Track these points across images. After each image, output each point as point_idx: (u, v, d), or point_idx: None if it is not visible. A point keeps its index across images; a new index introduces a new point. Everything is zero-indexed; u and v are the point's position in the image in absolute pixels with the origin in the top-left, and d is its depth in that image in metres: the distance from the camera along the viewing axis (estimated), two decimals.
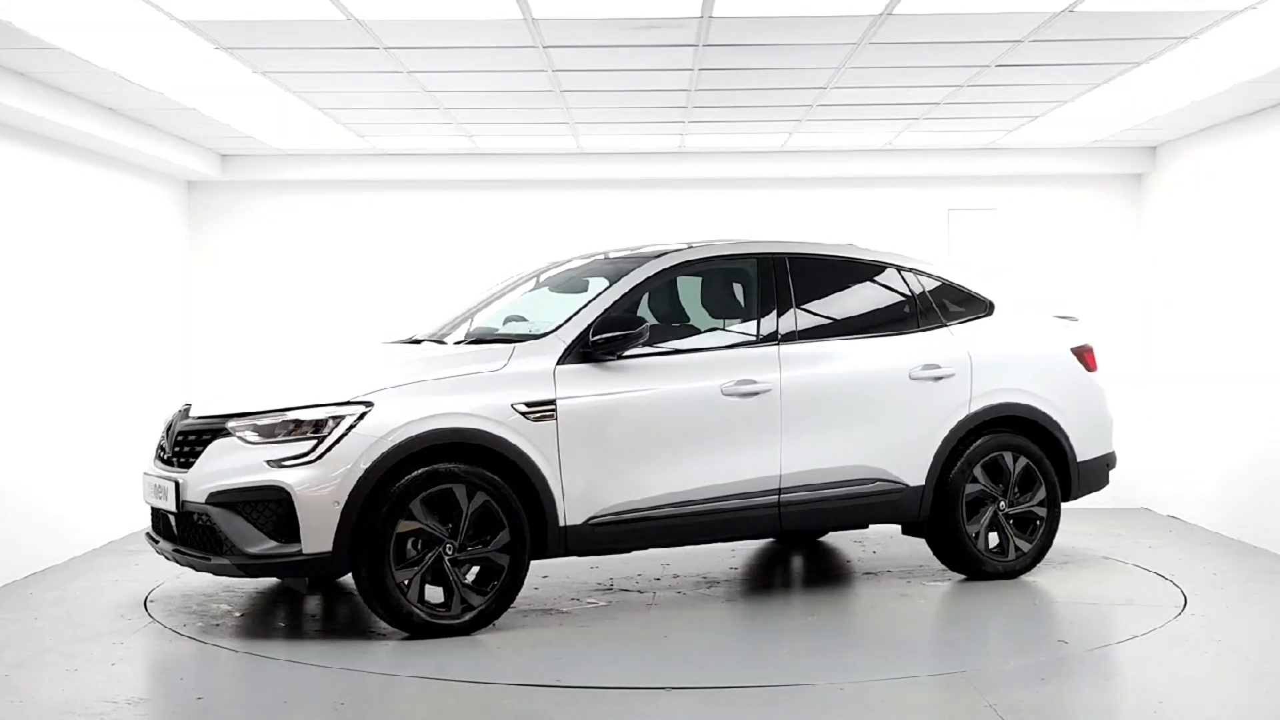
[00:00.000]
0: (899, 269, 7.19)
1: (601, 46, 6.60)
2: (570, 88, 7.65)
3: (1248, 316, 8.61)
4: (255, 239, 10.54)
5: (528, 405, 6.05)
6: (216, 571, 5.91)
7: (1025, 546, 7.10)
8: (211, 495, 5.80)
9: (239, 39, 6.38)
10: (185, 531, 6.02)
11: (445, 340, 6.82)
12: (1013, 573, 7.06)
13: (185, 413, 6.30)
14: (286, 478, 5.70)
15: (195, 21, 6.02)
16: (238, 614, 6.51)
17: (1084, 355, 7.46)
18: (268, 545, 5.71)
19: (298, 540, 5.69)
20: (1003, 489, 7.06)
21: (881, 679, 5.26)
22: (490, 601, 5.98)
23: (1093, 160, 10.25)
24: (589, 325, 6.27)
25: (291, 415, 5.85)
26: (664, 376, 6.39)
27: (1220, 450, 8.92)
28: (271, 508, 5.71)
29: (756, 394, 6.48)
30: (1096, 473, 7.46)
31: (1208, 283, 9.24)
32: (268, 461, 5.76)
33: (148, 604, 6.74)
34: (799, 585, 7.32)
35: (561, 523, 6.10)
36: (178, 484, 5.96)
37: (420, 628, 5.85)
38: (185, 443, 6.08)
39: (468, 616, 5.93)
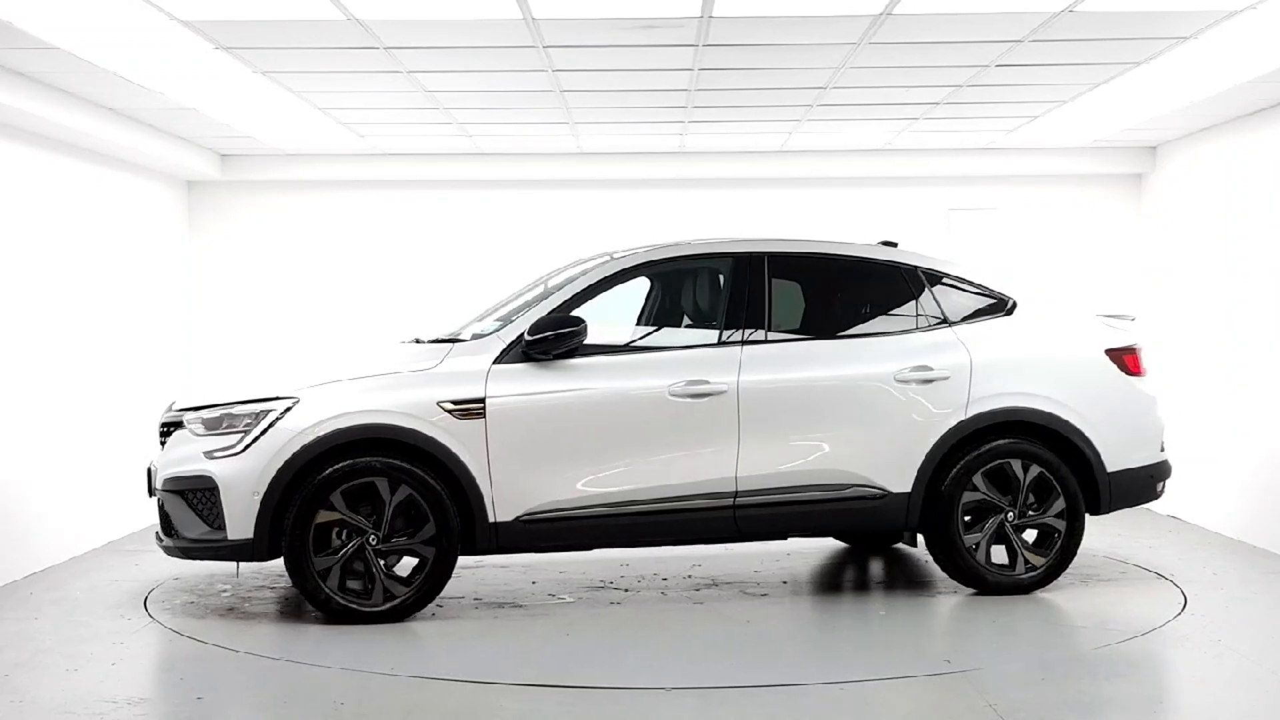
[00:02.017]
0: (905, 267, 6.86)
1: (601, 46, 6.60)
2: (570, 88, 7.66)
3: (1248, 317, 8.62)
4: (255, 239, 10.55)
5: (454, 403, 6.20)
6: (168, 553, 6.39)
7: (1038, 561, 6.68)
8: (165, 482, 6.31)
9: (239, 39, 6.38)
10: (159, 514, 6.50)
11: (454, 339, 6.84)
12: (1021, 588, 6.66)
13: (170, 407, 6.70)
14: (215, 468, 6.14)
15: (195, 21, 6.02)
16: (238, 613, 6.51)
17: (1122, 358, 6.90)
18: (202, 531, 6.19)
19: (224, 527, 6.11)
20: (1011, 499, 6.65)
21: (881, 679, 5.26)
22: (414, 592, 6.21)
23: (1093, 160, 10.26)
24: (529, 325, 6.35)
25: (227, 410, 6.28)
26: (609, 376, 6.39)
27: (1220, 450, 8.92)
28: (205, 496, 6.18)
29: (708, 395, 6.37)
30: (1136, 485, 6.88)
31: (1208, 283, 9.24)
32: (204, 453, 6.21)
33: (147, 604, 6.74)
34: (800, 590, 7.29)
35: (491, 519, 6.23)
36: (149, 471, 6.53)
37: (339, 613, 6.14)
38: (164, 434, 6.53)
39: (388, 605, 6.17)
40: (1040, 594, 6.76)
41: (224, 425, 6.23)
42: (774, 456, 6.43)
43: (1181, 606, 6.51)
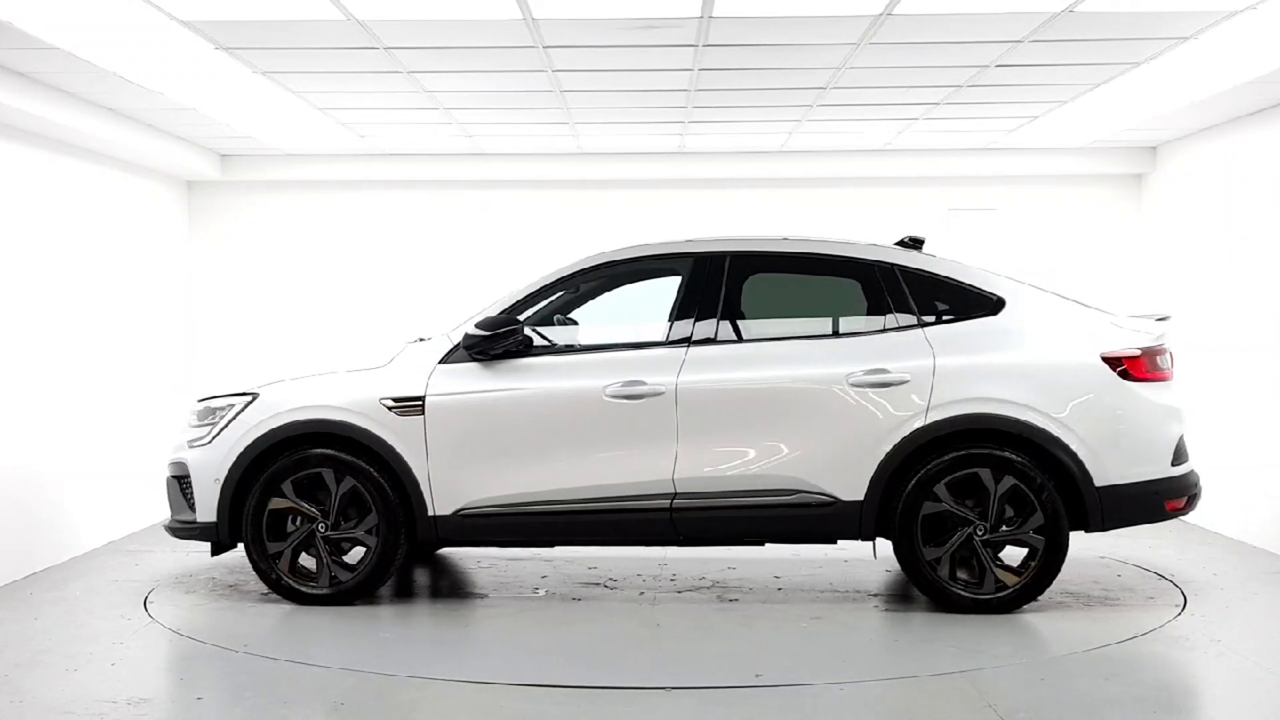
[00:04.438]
0: (881, 265, 6.56)
1: (601, 46, 6.60)
2: (570, 88, 7.66)
3: (1248, 317, 8.62)
4: (255, 239, 10.55)
5: (395, 400, 6.47)
6: (166, 530, 6.92)
7: (1010, 580, 6.27)
8: (169, 467, 6.85)
9: (239, 39, 6.38)
10: None
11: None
12: (989, 608, 6.26)
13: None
14: (189, 457, 6.69)
15: (195, 21, 6.02)
16: (238, 614, 6.51)
17: (1123, 363, 6.34)
18: (185, 514, 6.70)
19: (195, 510, 6.63)
20: (981, 511, 6.25)
21: (881, 679, 5.26)
22: (356, 578, 6.52)
23: (1093, 160, 10.26)
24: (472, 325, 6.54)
25: (209, 404, 6.78)
26: (550, 376, 6.46)
27: (1220, 451, 8.91)
28: (185, 482, 6.70)
29: (644, 396, 6.34)
30: (1136, 501, 6.30)
31: (1208, 283, 9.24)
32: (187, 442, 6.75)
33: (147, 604, 6.74)
34: (785, 599, 7.28)
35: (430, 512, 6.46)
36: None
37: (288, 594, 6.58)
38: None
39: (332, 589, 6.54)
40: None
41: (206, 418, 6.72)
42: (714, 459, 6.32)
43: (1181, 606, 6.51)
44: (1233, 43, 6.48)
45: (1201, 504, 8.73)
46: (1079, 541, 7.34)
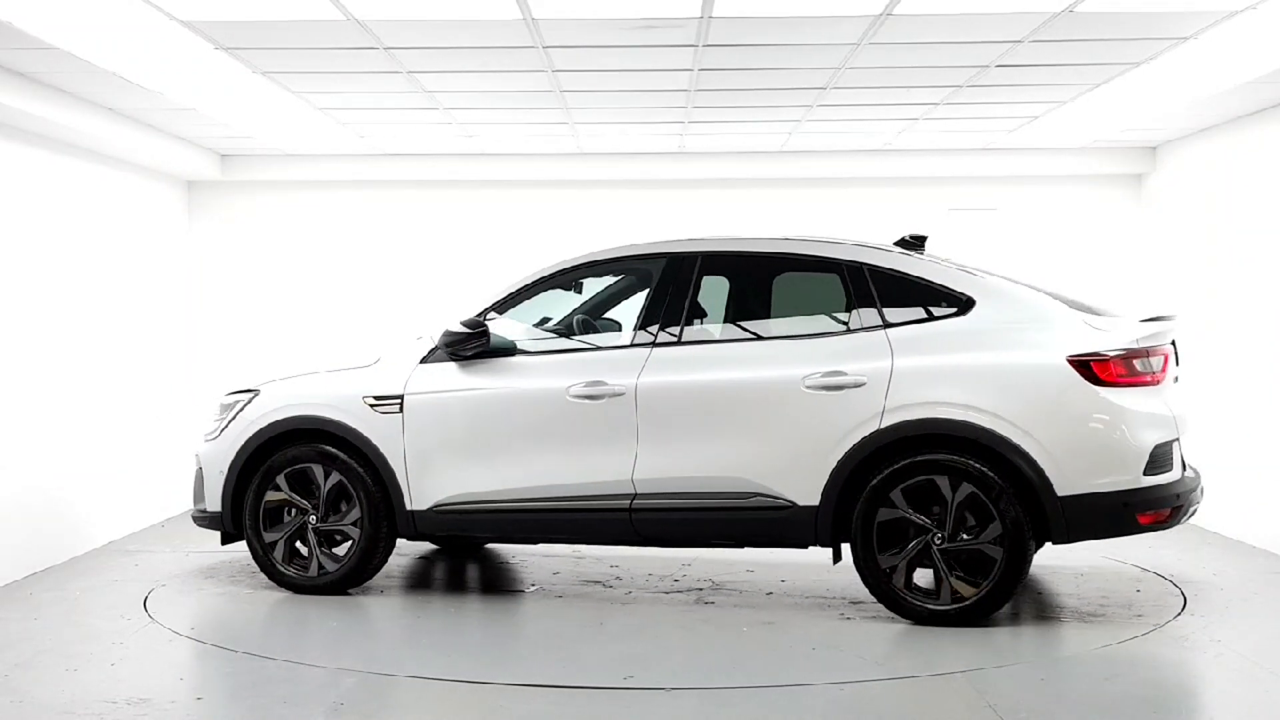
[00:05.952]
0: (850, 265, 6.37)
1: (601, 46, 6.60)
2: (570, 88, 7.66)
3: (1248, 317, 8.62)
4: (255, 239, 10.56)
5: (375, 398, 6.70)
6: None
7: (966, 591, 5.99)
8: (194, 459, 7.15)
9: (239, 39, 6.38)
10: None
11: None
12: (945, 620, 6.00)
13: None
14: (201, 450, 7.08)
15: (195, 21, 6.02)
16: (238, 613, 6.52)
17: (1091, 366, 5.96)
18: (202, 503, 7.02)
19: (206, 500, 6.98)
20: (939, 519, 6.00)
21: (881, 679, 5.26)
22: (342, 568, 6.74)
23: (1093, 160, 10.26)
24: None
25: (223, 399, 7.12)
26: (520, 376, 6.57)
27: (1220, 451, 8.91)
28: (200, 473, 7.05)
29: (605, 397, 6.36)
30: (1102, 513, 5.91)
31: (1208, 283, 9.24)
32: (204, 436, 7.11)
33: (147, 604, 6.74)
34: (770, 604, 7.28)
35: (408, 507, 6.65)
36: None
37: (281, 581, 6.85)
38: None
39: (320, 579, 6.76)
40: (1039, 594, 6.76)
41: (221, 413, 7.04)
42: (673, 460, 6.28)
43: (1181, 606, 6.51)
44: (1232, 43, 6.48)
45: (1203, 503, 8.64)
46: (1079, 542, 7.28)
